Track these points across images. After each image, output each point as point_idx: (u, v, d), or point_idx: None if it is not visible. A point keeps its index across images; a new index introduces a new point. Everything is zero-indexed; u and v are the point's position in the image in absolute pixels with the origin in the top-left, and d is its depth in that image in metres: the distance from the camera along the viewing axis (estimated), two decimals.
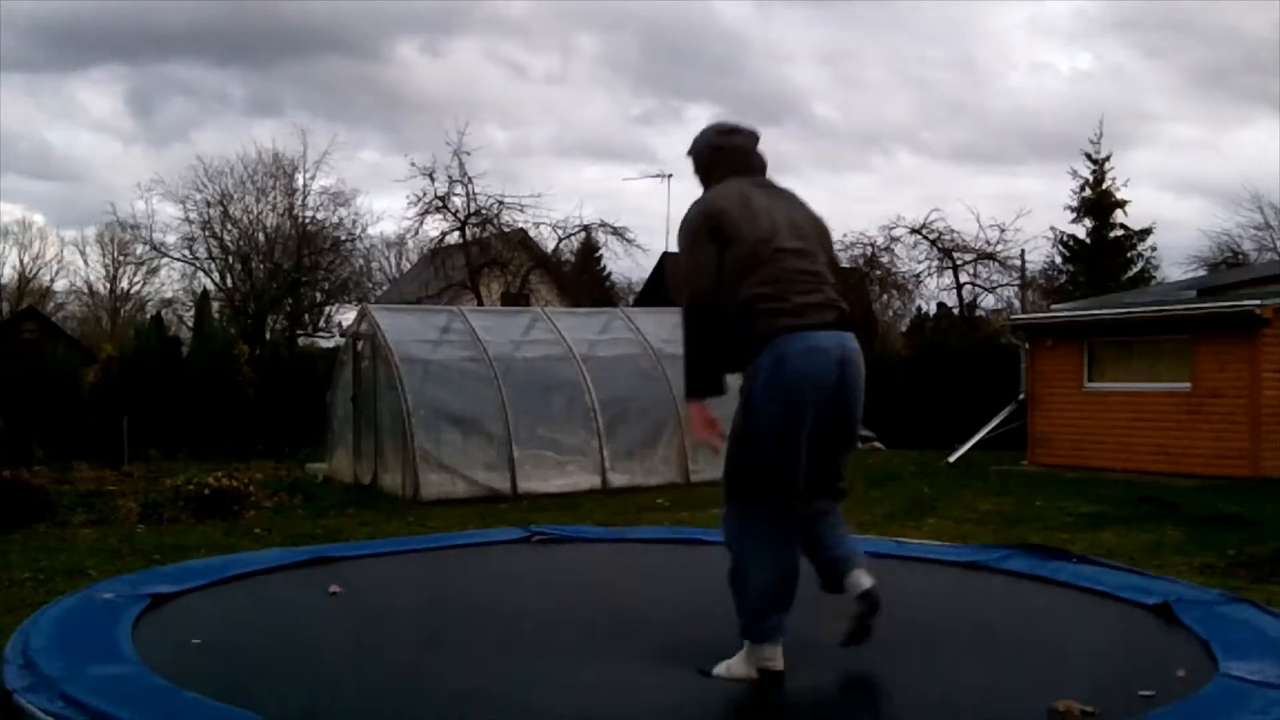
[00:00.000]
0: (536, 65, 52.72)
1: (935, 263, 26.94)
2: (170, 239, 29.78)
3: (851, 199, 42.66)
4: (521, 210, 25.82)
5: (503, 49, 53.34)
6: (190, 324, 30.76)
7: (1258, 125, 49.50)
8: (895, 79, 54.11)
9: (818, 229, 3.97)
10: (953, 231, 26.60)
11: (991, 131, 50.02)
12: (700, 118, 55.97)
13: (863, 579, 3.80)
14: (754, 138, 4.13)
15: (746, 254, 3.74)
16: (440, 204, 25.35)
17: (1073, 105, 50.04)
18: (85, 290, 42.12)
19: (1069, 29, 52.37)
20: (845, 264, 27.83)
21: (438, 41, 54.84)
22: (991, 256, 26.70)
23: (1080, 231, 28.94)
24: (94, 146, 57.08)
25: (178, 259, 30.57)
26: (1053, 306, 21.21)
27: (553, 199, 66.91)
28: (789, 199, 4.02)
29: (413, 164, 25.90)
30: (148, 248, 31.87)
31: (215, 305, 29.90)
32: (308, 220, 28.67)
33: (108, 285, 41.38)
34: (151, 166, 58.30)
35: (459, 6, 51.13)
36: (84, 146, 56.68)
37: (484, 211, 25.55)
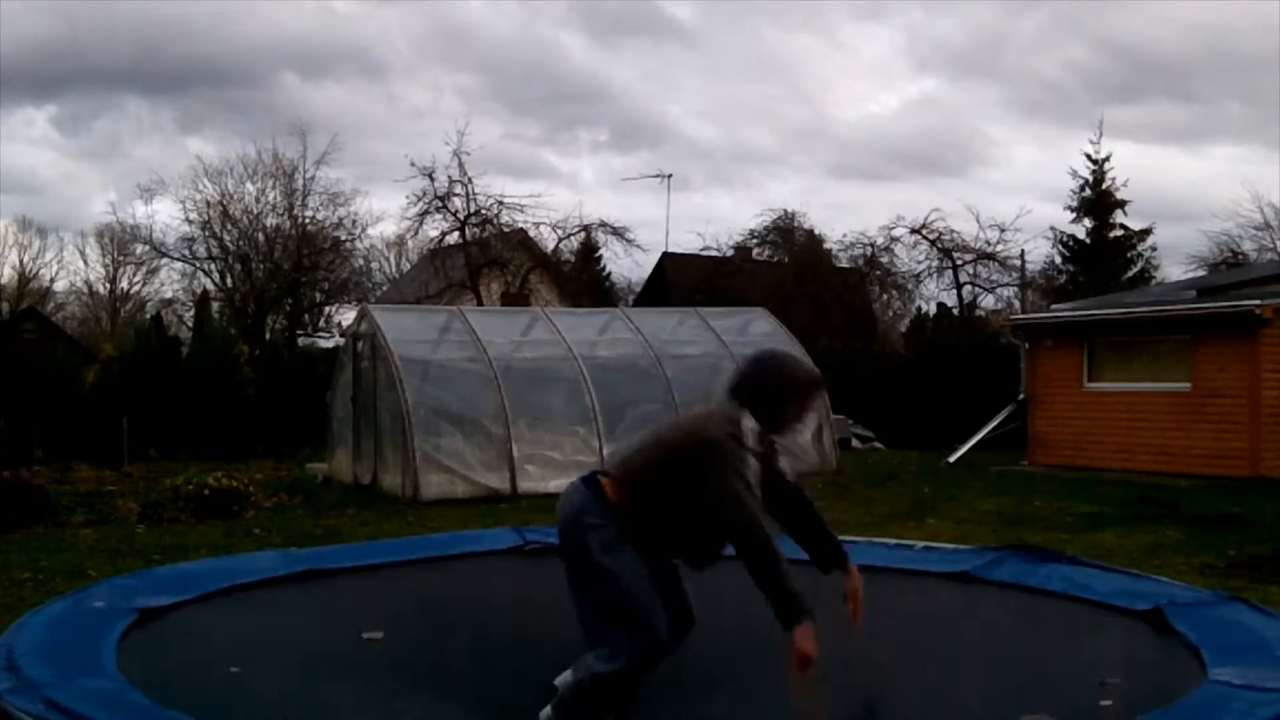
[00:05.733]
0: (411, 97, 55.37)
1: (935, 263, 26.96)
2: (170, 239, 29.77)
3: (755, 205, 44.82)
4: (521, 210, 25.84)
5: (373, 84, 55.89)
6: (190, 324, 30.73)
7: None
8: (747, 112, 57.34)
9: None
10: (952, 231, 26.63)
11: (860, 152, 54.04)
12: (587, 140, 58.39)
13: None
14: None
15: None
16: (440, 204, 25.35)
17: (919, 130, 53.75)
18: (85, 290, 42.20)
19: (898, 66, 56.87)
20: (845, 264, 27.87)
21: (314, 74, 57.47)
22: (991, 256, 26.69)
23: (1080, 231, 28.94)
24: (48, 162, 58.88)
25: (178, 259, 30.54)
26: (1053, 306, 21.19)
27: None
28: None
29: (412, 164, 25.79)
30: (147, 248, 31.86)
31: (215, 305, 29.85)
32: (308, 220, 28.64)
33: (108, 285, 41.45)
34: (97, 178, 60.03)
35: (338, 48, 54.75)
36: (39, 161, 58.23)
37: (484, 211, 25.55)
